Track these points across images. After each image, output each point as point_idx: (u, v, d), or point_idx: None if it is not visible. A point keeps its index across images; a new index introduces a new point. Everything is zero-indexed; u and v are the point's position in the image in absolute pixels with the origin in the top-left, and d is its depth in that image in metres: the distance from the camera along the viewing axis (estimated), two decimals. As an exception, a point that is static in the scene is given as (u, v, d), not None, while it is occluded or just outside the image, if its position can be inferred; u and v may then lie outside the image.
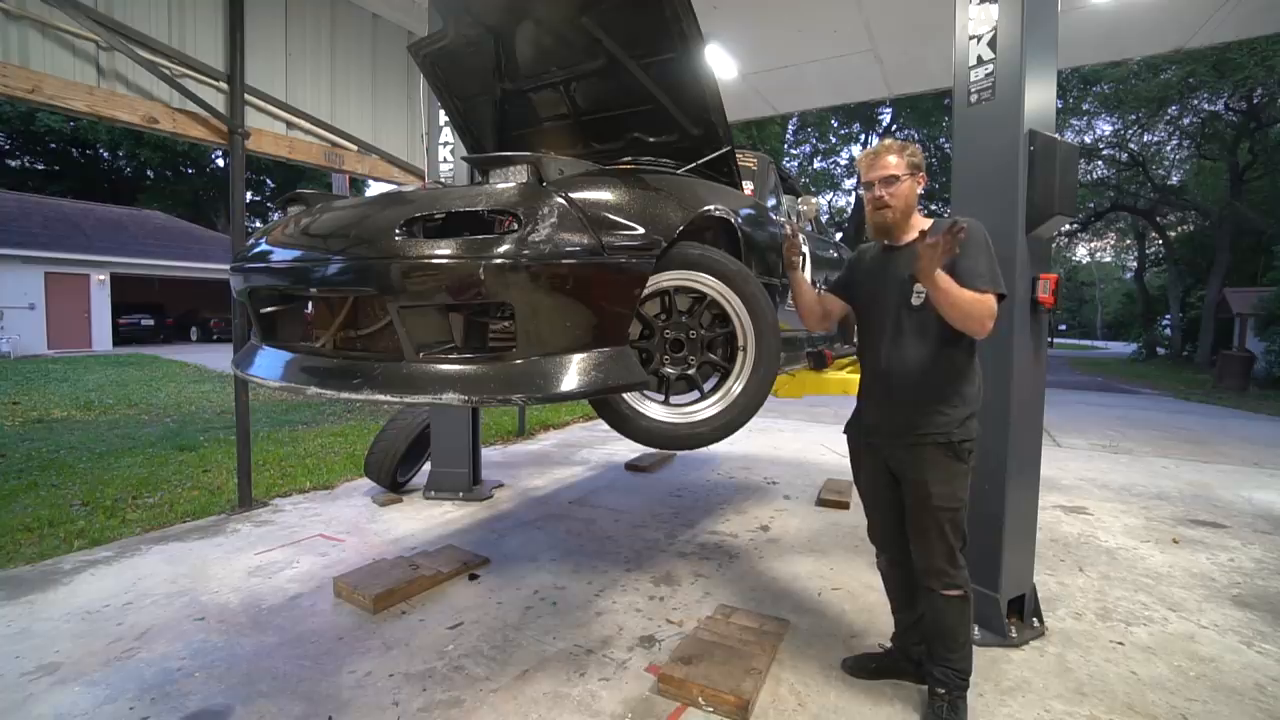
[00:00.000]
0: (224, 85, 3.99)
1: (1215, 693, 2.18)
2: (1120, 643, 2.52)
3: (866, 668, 2.26)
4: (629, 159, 2.54)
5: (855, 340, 4.06)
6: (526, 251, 1.53)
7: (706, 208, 1.96)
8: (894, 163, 1.97)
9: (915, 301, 1.93)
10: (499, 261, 1.52)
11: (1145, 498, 4.68)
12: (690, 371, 2.02)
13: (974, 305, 1.77)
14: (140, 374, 11.99)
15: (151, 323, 21.07)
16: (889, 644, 2.29)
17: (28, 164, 27.62)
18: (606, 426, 2.03)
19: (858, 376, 2.21)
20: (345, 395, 1.71)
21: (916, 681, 2.16)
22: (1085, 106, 20.88)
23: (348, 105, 4.87)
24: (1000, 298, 1.81)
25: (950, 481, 1.90)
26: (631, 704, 2.09)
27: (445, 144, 4.28)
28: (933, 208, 23.85)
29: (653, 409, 2.00)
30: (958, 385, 1.91)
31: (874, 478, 2.10)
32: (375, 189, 6.70)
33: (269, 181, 31.64)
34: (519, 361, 1.61)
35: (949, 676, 1.95)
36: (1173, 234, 25.30)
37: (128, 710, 2.03)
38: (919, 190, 2.03)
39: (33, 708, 2.03)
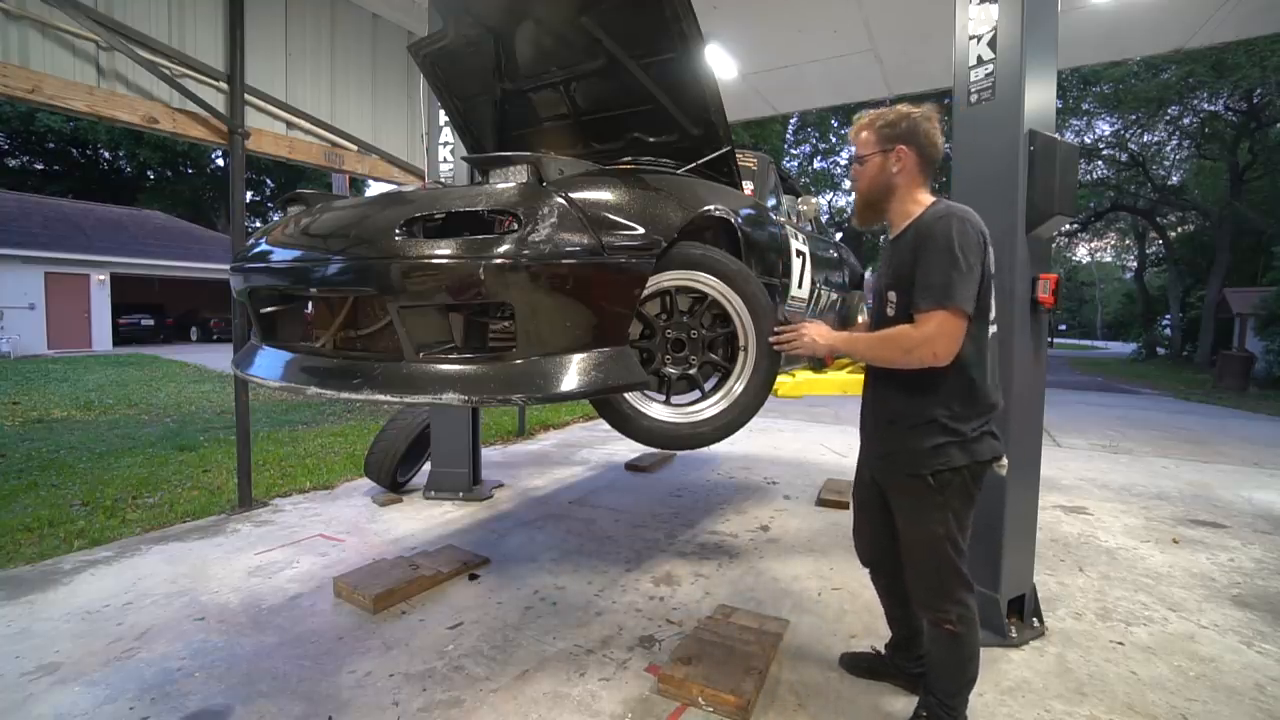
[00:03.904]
0: (224, 85, 3.99)
1: (1215, 693, 2.18)
2: (1120, 643, 2.52)
3: (860, 666, 2.24)
4: (629, 159, 2.54)
5: None
6: (526, 251, 1.53)
7: (706, 208, 1.96)
8: (862, 138, 1.78)
9: (890, 311, 1.74)
10: (499, 261, 1.52)
11: (1145, 498, 4.68)
12: (691, 371, 2.03)
13: (896, 343, 1.61)
14: (140, 374, 11.99)
15: (151, 323, 21.09)
16: (884, 649, 2.23)
17: (28, 164, 27.63)
18: (607, 426, 2.03)
19: (858, 378, 2.20)
20: (345, 395, 1.71)
21: (910, 690, 2.09)
22: (1085, 106, 20.89)
23: (348, 105, 4.86)
24: (959, 312, 1.55)
25: (918, 513, 1.73)
26: (631, 704, 2.09)
27: (445, 144, 4.28)
28: (933, 208, 23.78)
29: (655, 409, 2.01)
30: (929, 409, 1.67)
31: (863, 488, 2.01)
32: (375, 189, 6.70)
33: (269, 181, 31.68)
34: (519, 361, 1.62)
35: (932, 708, 1.82)
36: (1173, 234, 25.33)
37: (128, 710, 2.03)
38: (894, 168, 1.72)
39: (33, 708, 2.03)
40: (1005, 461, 1.74)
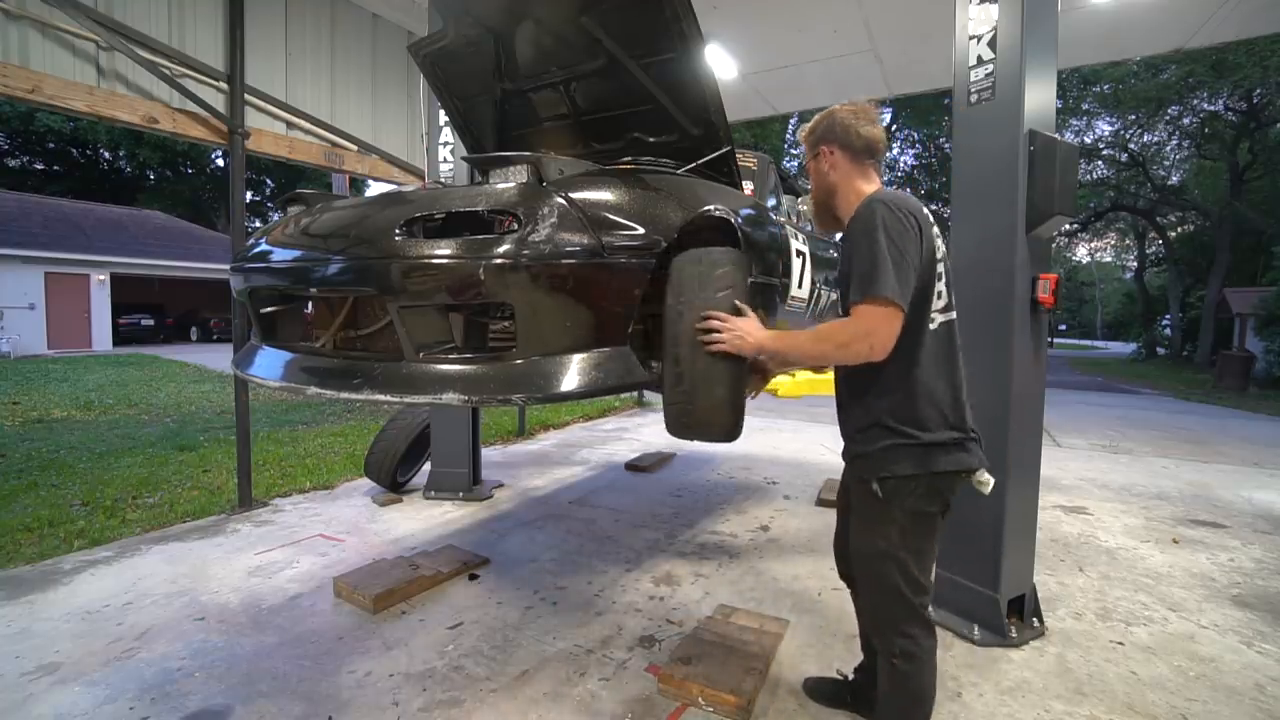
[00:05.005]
0: (224, 85, 3.99)
1: (1215, 693, 2.18)
2: (1120, 643, 2.52)
3: (820, 692, 2.10)
4: (629, 159, 2.54)
5: None
6: (526, 251, 1.53)
7: (706, 208, 1.96)
8: (804, 151, 1.75)
9: (839, 311, 1.69)
10: (499, 261, 1.52)
11: (1145, 498, 4.68)
12: None
13: (830, 339, 1.48)
14: (140, 374, 11.99)
15: (151, 323, 21.10)
16: (851, 673, 2.06)
17: (28, 164, 27.64)
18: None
19: None
20: (345, 395, 1.71)
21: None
22: (1085, 106, 20.90)
23: (348, 105, 4.86)
24: (888, 303, 1.41)
25: (866, 525, 1.59)
26: (631, 704, 2.09)
27: (445, 144, 4.28)
28: (932, 208, 23.83)
29: None
30: (874, 411, 1.56)
31: (840, 491, 1.90)
32: (375, 189, 6.70)
33: (269, 181, 31.71)
34: (519, 361, 1.62)
35: None
36: (1173, 234, 25.33)
37: (128, 710, 2.03)
38: (826, 168, 1.68)
39: (33, 708, 2.03)
40: (987, 478, 1.54)
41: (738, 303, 1.67)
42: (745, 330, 1.59)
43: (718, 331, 1.61)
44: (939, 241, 1.57)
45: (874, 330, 1.42)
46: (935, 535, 1.58)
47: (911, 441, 1.50)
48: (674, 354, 1.68)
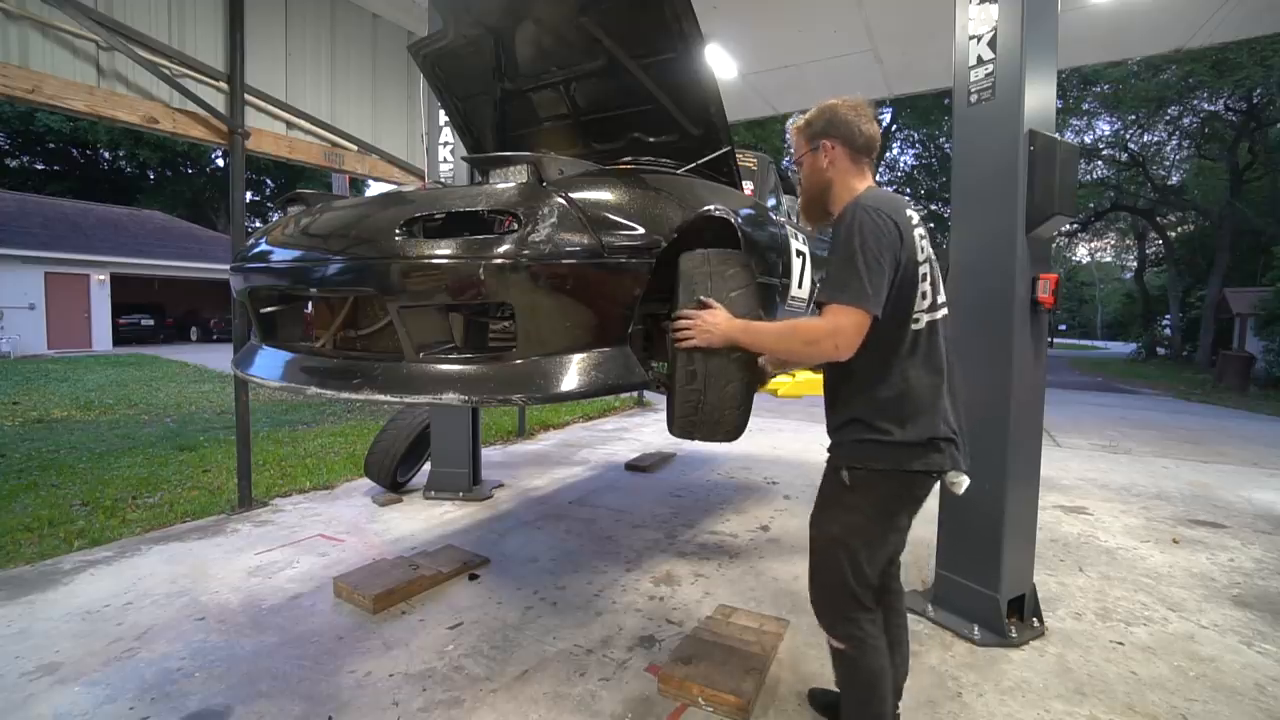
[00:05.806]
0: (224, 85, 3.99)
1: (1215, 693, 2.18)
2: (1120, 643, 2.52)
3: (819, 702, 2.08)
4: (629, 159, 2.54)
5: None
6: (526, 251, 1.53)
7: (706, 208, 1.96)
8: (795, 143, 1.74)
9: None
10: (499, 261, 1.52)
11: (1145, 498, 4.68)
12: None
13: (798, 334, 1.52)
14: (140, 374, 12.00)
15: (151, 323, 21.12)
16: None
17: (28, 164, 27.67)
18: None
19: None
20: (345, 395, 1.71)
21: None
22: (1085, 106, 20.92)
23: (348, 105, 4.87)
24: (856, 309, 1.42)
25: (824, 505, 1.63)
26: (631, 704, 2.09)
27: (445, 144, 4.28)
28: (932, 208, 23.87)
29: None
30: (852, 407, 1.57)
31: None
32: (375, 189, 6.70)
33: (269, 181, 31.72)
34: (519, 361, 1.62)
35: None
36: (1173, 234, 25.34)
37: (128, 710, 2.03)
38: (824, 163, 1.66)
39: (33, 708, 2.03)
40: (961, 478, 1.55)
41: (702, 298, 1.68)
42: (711, 323, 1.62)
43: (687, 329, 1.64)
44: (923, 243, 1.57)
45: (840, 330, 1.43)
46: (893, 532, 1.61)
47: (884, 438, 1.50)
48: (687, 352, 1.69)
